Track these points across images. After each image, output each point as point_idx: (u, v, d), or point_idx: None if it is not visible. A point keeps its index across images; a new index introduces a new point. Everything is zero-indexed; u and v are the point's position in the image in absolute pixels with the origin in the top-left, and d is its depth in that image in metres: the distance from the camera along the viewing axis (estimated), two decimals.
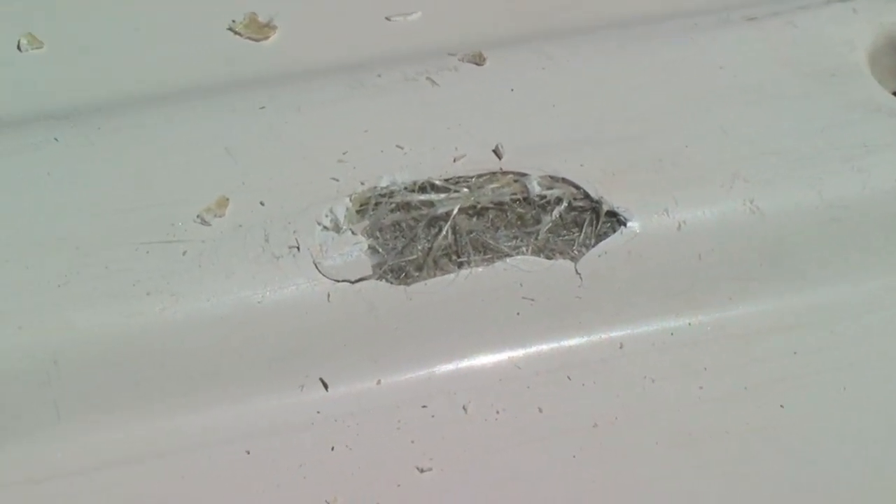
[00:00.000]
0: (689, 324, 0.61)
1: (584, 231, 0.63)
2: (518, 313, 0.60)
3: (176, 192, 0.63)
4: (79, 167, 0.64)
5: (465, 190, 0.63)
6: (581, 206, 0.63)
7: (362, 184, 0.63)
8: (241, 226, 0.61)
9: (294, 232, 0.61)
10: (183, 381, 0.58)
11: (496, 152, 0.65)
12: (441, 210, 0.62)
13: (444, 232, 0.62)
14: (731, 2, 0.76)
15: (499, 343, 0.59)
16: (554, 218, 0.63)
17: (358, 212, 0.62)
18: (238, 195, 0.62)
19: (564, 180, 0.63)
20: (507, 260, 0.61)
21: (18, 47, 0.74)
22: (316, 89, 0.69)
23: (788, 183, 0.64)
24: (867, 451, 0.59)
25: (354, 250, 0.60)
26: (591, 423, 0.58)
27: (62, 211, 0.62)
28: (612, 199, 0.62)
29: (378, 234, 0.62)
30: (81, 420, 0.56)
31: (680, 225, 0.62)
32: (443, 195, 0.63)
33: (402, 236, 0.62)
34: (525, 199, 0.63)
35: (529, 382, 0.59)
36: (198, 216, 0.61)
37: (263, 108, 0.67)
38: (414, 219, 0.62)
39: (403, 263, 0.61)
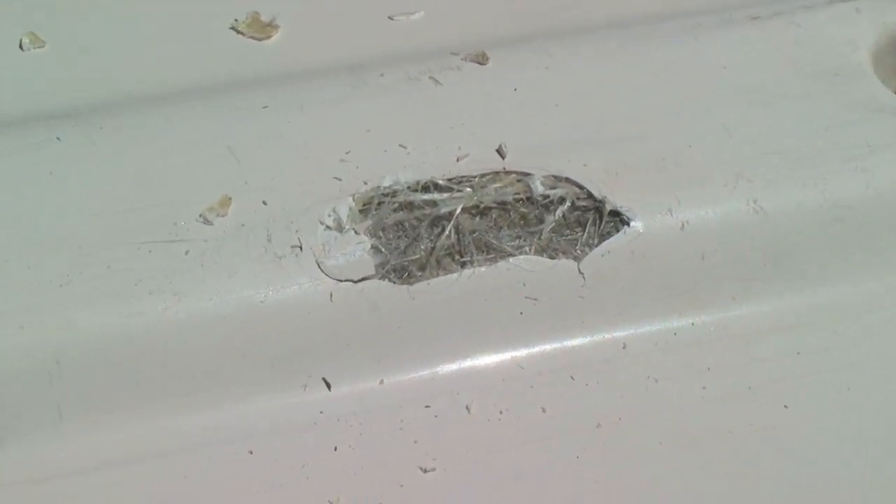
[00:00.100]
0: (693, 324, 0.61)
1: (587, 231, 0.62)
2: (521, 313, 0.60)
3: (178, 192, 0.62)
4: (81, 167, 0.64)
5: (469, 189, 0.63)
6: (584, 206, 0.63)
7: (365, 183, 0.63)
8: (243, 225, 0.61)
9: (297, 231, 0.61)
10: (185, 381, 0.58)
11: (499, 152, 0.64)
12: (444, 210, 0.62)
13: (447, 231, 0.62)
14: (733, 1, 0.76)
15: (502, 343, 0.59)
16: (557, 217, 0.62)
17: (361, 211, 0.62)
18: (240, 194, 0.62)
19: (568, 180, 0.63)
20: (511, 260, 0.61)
21: (20, 46, 0.74)
22: (318, 89, 0.69)
23: (791, 183, 0.64)
24: (870, 451, 0.59)
25: (357, 250, 0.60)
26: (595, 423, 0.58)
27: (64, 210, 0.62)
28: (616, 199, 0.62)
29: (381, 233, 0.62)
30: (83, 420, 0.56)
31: (683, 225, 0.62)
32: (446, 195, 0.63)
33: (405, 236, 0.62)
34: (528, 198, 0.63)
35: (533, 382, 0.59)
36: (200, 216, 0.61)
37: (266, 107, 0.67)
38: (417, 218, 0.62)
39: (406, 263, 0.61)
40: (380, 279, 0.60)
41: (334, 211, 0.61)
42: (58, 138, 0.65)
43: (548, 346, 0.59)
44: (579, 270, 0.61)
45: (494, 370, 0.59)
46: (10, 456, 0.55)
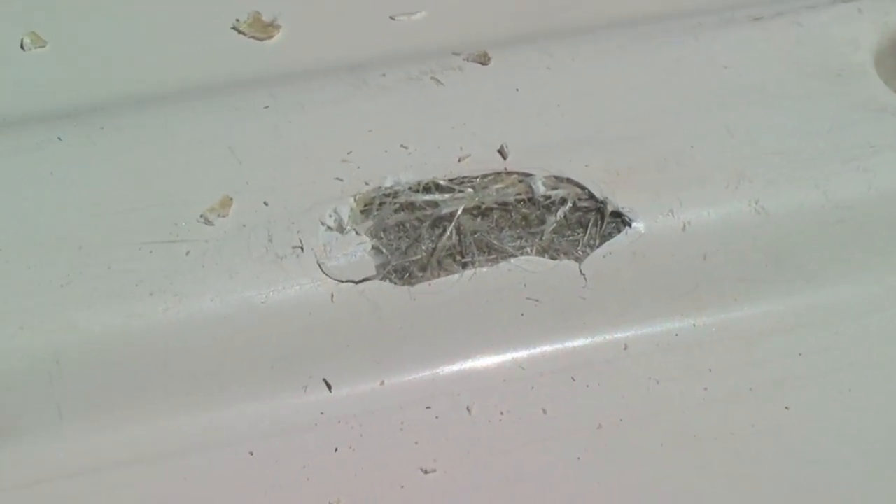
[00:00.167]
0: (694, 325, 0.61)
1: (588, 231, 0.62)
2: (522, 314, 0.60)
3: (179, 192, 0.62)
4: (82, 167, 0.64)
5: (470, 190, 0.63)
6: (586, 207, 0.63)
7: (366, 184, 0.63)
8: (244, 226, 0.61)
9: (298, 232, 0.60)
10: (186, 382, 0.58)
11: (501, 152, 0.64)
12: (445, 210, 0.62)
13: (448, 232, 0.61)
14: (735, 1, 0.76)
15: (503, 344, 0.59)
16: (558, 218, 0.62)
17: (362, 212, 0.62)
18: (242, 195, 0.62)
19: (569, 180, 0.63)
20: (512, 260, 0.61)
21: (22, 46, 0.74)
22: (320, 89, 0.68)
23: (793, 183, 0.64)
24: (871, 452, 0.59)
25: (358, 250, 0.60)
26: (596, 424, 0.58)
27: (65, 210, 0.62)
28: (617, 200, 0.62)
29: (382, 234, 0.61)
30: (84, 420, 0.56)
31: (685, 225, 0.62)
32: (447, 195, 0.63)
33: (406, 236, 0.62)
34: (530, 199, 0.63)
35: (534, 383, 0.59)
36: (201, 216, 0.61)
37: (267, 107, 0.67)
38: (418, 219, 0.62)
39: (407, 264, 0.61)
40: (381, 280, 0.60)
41: (335, 211, 0.61)
42: (59, 138, 0.65)
43: (549, 347, 0.59)
44: (581, 271, 0.61)
45: (495, 371, 0.59)
46: (10, 456, 0.55)
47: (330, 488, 0.56)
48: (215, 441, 0.56)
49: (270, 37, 0.75)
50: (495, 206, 0.63)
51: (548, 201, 0.63)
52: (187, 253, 0.60)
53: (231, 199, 0.62)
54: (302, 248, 0.60)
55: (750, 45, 0.72)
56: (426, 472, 0.57)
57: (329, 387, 0.58)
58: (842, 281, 0.63)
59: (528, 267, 0.61)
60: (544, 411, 0.58)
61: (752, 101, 0.68)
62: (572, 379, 0.59)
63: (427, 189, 0.63)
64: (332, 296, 0.59)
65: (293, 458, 0.56)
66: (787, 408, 0.59)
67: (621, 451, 0.58)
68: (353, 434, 0.57)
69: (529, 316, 0.60)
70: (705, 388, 0.59)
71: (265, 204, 0.62)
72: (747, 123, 0.67)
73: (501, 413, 0.58)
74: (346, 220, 0.61)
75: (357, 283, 0.60)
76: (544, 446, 0.58)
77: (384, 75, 0.69)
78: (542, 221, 0.62)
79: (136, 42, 0.74)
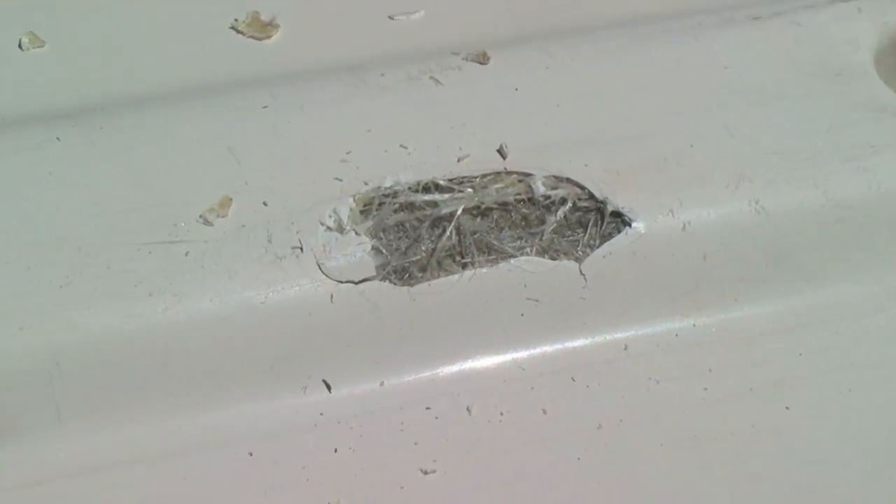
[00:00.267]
0: (694, 325, 0.61)
1: (588, 232, 0.62)
2: (522, 314, 0.60)
3: (178, 192, 0.62)
4: (81, 167, 0.64)
5: (469, 190, 0.63)
6: (586, 207, 0.63)
7: (366, 184, 0.63)
8: (243, 226, 0.61)
9: (297, 232, 0.60)
10: (185, 383, 0.57)
11: (500, 152, 0.64)
12: (445, 210, 0.62)
13: (447, 232, 0.61)
14: (734, 1, 0.76)
15: (503, 344, 0.59)
16: (558, 218, 0.62)
17: (361, 212, 0.62)
18: (241, 195, 0.62)
19: (569, 180, 0.63)
20: (512, 261, 0.61)
21: (20, 46, 0.74)
22: (319, 89, 0.68)
23: (793, 183, 0.64)
24: (872, 452, 0.59)
25: (358, 251, 0.60)
26: (596, 425, 0.58)
27: (64, 211, 0.61)
28: (617, 200, 0.62)
29: (381, 234, 0.61)
30: (83, 421, 0.56)
31: (685, 225, 0.62)
32: (447, 195, 0.63)
33: (406, 237, 0.62)
34: (529, 199, 0.63)
35: (534, 384, 0.59)
36: (200, 216, 0.61)
37: (266, 107, 0.67)
38: (418, 219, 0.62)
39: (407, 264, 0.61)
40: (380, 280, 0.60)
41: (335, 212, 0.61)
42: (57, 138, 0.65)
43: (549, 348, 0.59)
44: (581, 271, 0.61)
45: (495, 371, 0.59)
46: (10, 457, 0.55)
47: (329, 489, 0.56)
48: (215, 441, 0.56)
49: (269, 36, 0.75)
50: (495, 206, 0.63)
51: (548, 201, 0.63)
52: (186, 253, 0.60)
53: (230, 199, 0.62)
54: (301, 249, 0.60)
55: (749, 44, 0.72)
56: (426, 472, 0.56)
57: (329, 387, 0.57)
58: (842, 281, 0.63)
59: (527, 267, 0.61)
60: (544, 412, 0.58)
61: (752, 101, 0.68)
62: (572, 379, 0.59)
63: (426, 189, 0.63)
64: (332, 296, 0.59)
65: (293, 458, 0.56)
66: (787, 408, 0.59)
67: (621, 451, 0.58)
68: (352, 435, 0.57)
69: (529, 316, 0.60)
70: (705, 389, 0.59)
71: (264, 204, 0.62)
72: (747, 123, 0.67)
73: (501, 413, 0.58)
74: (345, 220, 0.61)
75: (357, 283, 0.60)
76: (544, 446, 0.58)
77: (383, 75, 0.69)
78: (542, 221, 0.62)
79: (134, 42, 0.74)
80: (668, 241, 0.62)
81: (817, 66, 0.71)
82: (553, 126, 0.66)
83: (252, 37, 0.75)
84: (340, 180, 0.63)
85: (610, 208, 0.62)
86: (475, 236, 0.62)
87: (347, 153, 0.64)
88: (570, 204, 0.63)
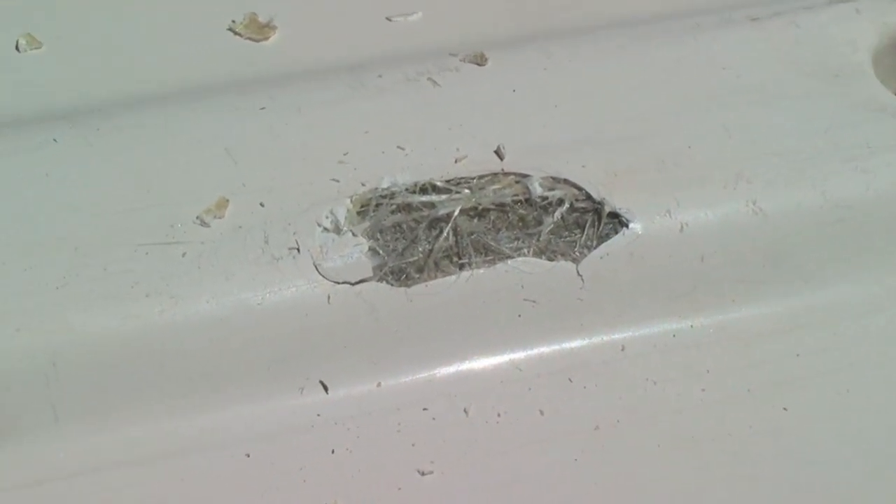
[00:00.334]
0: (692, 326, 0.61)
1: (585, 232, 0.62)
2: (519, 315, 0.60)
3: (175, 194, 0.62)
4: (77, 168, 0.64)
5: (467, 191, 0.63)
6: (583, 208, 0.63)
7: (363, 185, 0.63)
8: (240, 227, 0.61)
9: (294, 233, 0.60)
10: (182, 384, 0.57)
11: (498, 153, 0.64)
12: (442, 211, 0.62)
13: (445, 233, 0.61)
14: (733, 2, 0.76)
15: (500, 345, 0.59)
16: (556, 219, 0.62)
17: (358, 213, 0.62)
18: (238, 196, 0.62)
19: (566, 181, 0.63)
20: (509, 262, 0.61)
21: (17, 48, 0.74)
22: (316, 90, 0.68)
23: (791, 184, 0.64)
24: (870, 453, 0.59)
25: (355, 252, 0.60)
26: (593, 426, 0.58)
27: (61, 212, 0.61)
28: (615, 201, 0.62)
29: (379, 235, 0.61)
30: (80, 422, 0.56)
31: (682, 226, 0.62)
32: (444, 196, 0.62)
33: (403, 238, 0.62)
34: (527, 200, 0.63)
35: (531, 385, 0.59)
36: (197, 217, 0.61)
37: (264, 108, 0.67)
38: (415, 220, 0.62)
39: (404, 265, 0.61)
40: (377, 281, 0.60)
41: (332, 213, 0.61)
42: (54, 140, 0.65)
43: (546, 349, 0.59)
44: (578, 272, 0.61)
45: (492, 372, 0.59)
46: (5, 458, 0.55)
47: (327, 490, 0.56)
48: (212, 443, 0.56)
49: (266, 38, 0.75)
50: (492, 207, 0.62)
51: (545, 202, 0.63)
52: (183, 254, 0.60)
53: (227, 200, 0.62)
54: (298, 250, 0.60)
55: (748, 45, 0.72)
56: (423, 473, 0.56)
57: (326, 388, 0.57)
58: (840, 281, 0.63)
59: (525, 268, 0.61)
60: (541, 413, 0.58)
61: (750, 102, 0.68)
62: (569, 380, 0.59)
63: (424, 190, 0.63)
64: (329, 297, 0.59)
65: (290, 459, 0.56)
66: (785, 409, 0.59)
67: (619, 452, 0.58)
68: (349, 436, 0.57)
69: (526, 317, 0.60)
70: (703, 390, 0.59)
71: (261, 205, 0.62)
72: (745, 124, 0.67)
73: (499, 414, 0.58)
74: (342, 221, 0.61)
75: (353, 284, 0.60)
76: (541, 448, 0.57)
77: (381, 76, 0.69)
78: (540, 222, 0.62)
79: (131, 43, 0.74)
80: (666, 241, 0.62)
81: (816, 66, 0.71)
82: (550, 127, 0.66)
83: (249, 38, 0.75)
84: (337, 181, 0.63)
85: (607, 209, 0.62)
86: (472, 237, 0.61)
87: (345, 154, 0.64)
88: (567, 205, 0.62)
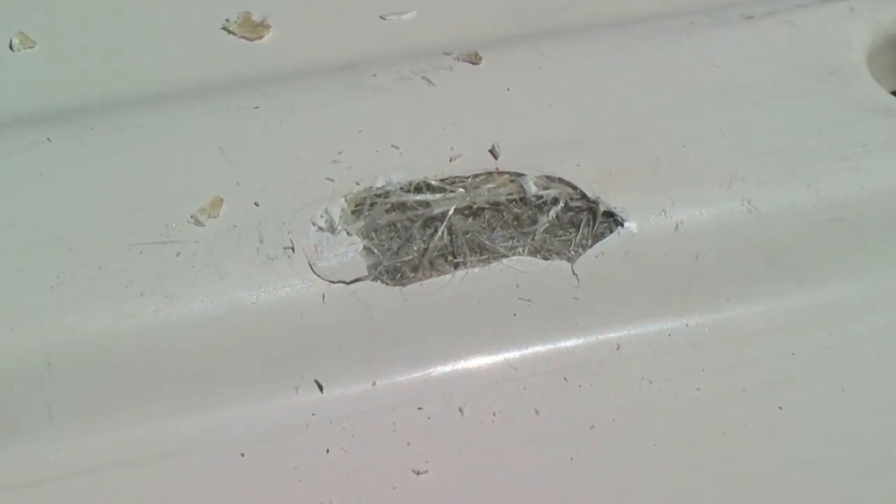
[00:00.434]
0: (687, 325, 0.61)
1: (580, 231, 0.62)
2: (514, 314, 0.60)
3: (169, 193, 0.62)
4: (71, 167, 0.63)
5: (461, 190, 0.63)
6: (578, 207, 0.63)
7: (357, 184, 0.63)
8: (235, 226, 0.61)
9: (289, 232, 0.60)
10: (176, 383, 0.57)
11: (492, 152, 0.64)
12: (437, 210, 0.62)
13: (439, 232, 0.61)
14: (728, 0, 0.76)
15: (495, 344, 0.59)
16: (550, 218, 0.62)
17: (353, 212, 0.62)
18: (232, 195, 0.62)
19: (561, 180, 0.63)
20: (504, 261, 0.61)
21: (10, 47, 0.74)
22: (310, 89, 0.68)
23: (786, 183, 0.64)
24: (865, 452, 0.59)
25: (349, 251, 0.60)
26: (589, 425, 0.58)
27: (55, 212, 0.61)
28: (609, 200, 0.62)
29: (373, 234, 0.61)
30: (74, 422, 0.56)
31: (677, 225, 0.62)
32: (438, 195, 0.62)
33: (398, 237, 0.62)
34: (521, 199, 0.63)
35: (526, 384, 0.58)
36: (191, 217, 0.61)
37: (258, 107, 0.67)
38: (409, 219, 0.62)
39: (399, 264, 0.61)
40: (372, 280, 0.60)
41: (326, 212, 0.61)
42: (48, 139, 0.65)
43: (541, 348, 0.59)
44: (573, 271, 0.61)
45: (487, 372, 0.58)
46: (3, 458, 0.55)
47: (322, 489, 0.56)
48: (206, 442, 0.56)
49: (260, 37, 0.75)
50: (487, 206, 0.62)
51: (539, 201, 0.63)
52: (178, 254, 0.60)
53: (221, 199, 0.62)
54: (293, 249, 0.60)
55: (742, 44, 0.72)
56: (418, 473, 0.56)
57: (321, 388, 0.57)
58: (834, 281, 0.63)
59: (520, 267, 0.61)
60: (537, 412, 0.58)
61: (745, 101, 0.68)
62: (565, 379, 0.59)
63: (418, 189, 0.63)
64: (324, 296, 0.59)
65: (285, 459, 0.56)
66: (780, 408, 0.59)
67: (614, 451, 0.58)
68: (344, 435, 0.57)
69: (521, 316, 0.60)
70: (698, 389, 0.59)
71: (256, 204, 0.62)
72: (740, 123, 0.67)
73: (494, 414, 0.58)
74: (337, 220, 0.61)
75: (348, 283, 0.60)
76: (537, 447, 0.57)
77: (375, 75, 0.69)
78: (534, 221, 0.62)
79: (125, 42, 0.74)
80: (661, 240, 0.62)
81: (810, 65, 0.71)
82: (545, 126, 0.66)
83: (243, 37, 0.75)
84: (332, 180, 0.63)
85: (602, 208, 0.62)
86: (467, 236, 0.61)
87: (339, 153, 0.64)
88: (562, 204, 0.62)
